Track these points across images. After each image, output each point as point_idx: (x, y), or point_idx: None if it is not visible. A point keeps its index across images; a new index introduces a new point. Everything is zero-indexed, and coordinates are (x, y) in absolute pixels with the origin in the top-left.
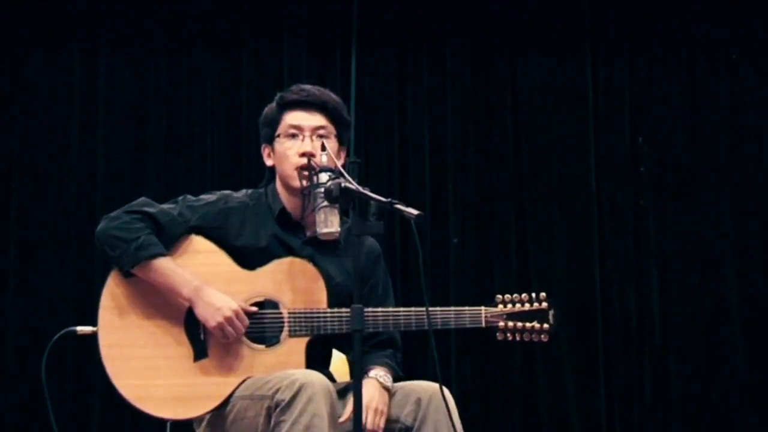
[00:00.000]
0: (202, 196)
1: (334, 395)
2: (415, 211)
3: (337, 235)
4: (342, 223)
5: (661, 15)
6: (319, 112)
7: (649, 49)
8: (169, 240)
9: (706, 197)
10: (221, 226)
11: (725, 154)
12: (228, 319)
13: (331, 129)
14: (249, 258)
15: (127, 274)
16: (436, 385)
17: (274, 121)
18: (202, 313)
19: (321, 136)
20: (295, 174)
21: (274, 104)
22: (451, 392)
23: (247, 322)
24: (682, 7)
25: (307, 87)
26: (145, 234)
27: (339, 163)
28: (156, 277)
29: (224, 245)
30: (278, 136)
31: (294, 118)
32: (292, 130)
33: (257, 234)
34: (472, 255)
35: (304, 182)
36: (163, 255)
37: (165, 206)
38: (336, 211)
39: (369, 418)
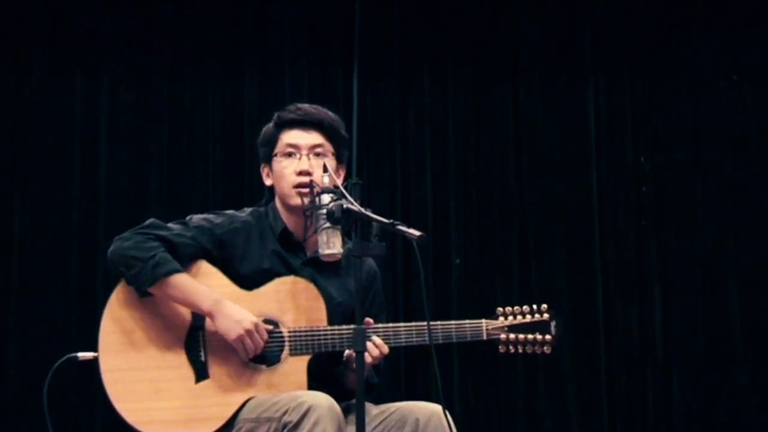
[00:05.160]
0: (208, 217)
1: (342, 417)
2: (417, 232)
3: (340, 256)
4: (344, 244)
5: (663, 36)
6: (316, 131)
7: (651, 70)
8: (180, 260)
9: (707, 217)
10: (228, 247)
11: (727, 175)
12: (248, 332)
13: (329, 147)
14: (252, 279)
15: (143, 294)
16: (436, 406)
17: (272, 141)
18: (222, 325)
19: (318, 155)
20: (293, 192)
21: (271, 124)
22: (454, 411)
23: (266, 336)
24: (683, 27)
25: (304, 106)
26: (160, 252)
27: (338, 181)
28: (175, 293)
29: (227, 267)
30: (275, 155)
31: (291, 137)
32: (289, 149)
33: (260, 254)
34: (474, 275)
35: (305, 200)
36: (179, 271)
37: (174, 226)
38: (338, 233)
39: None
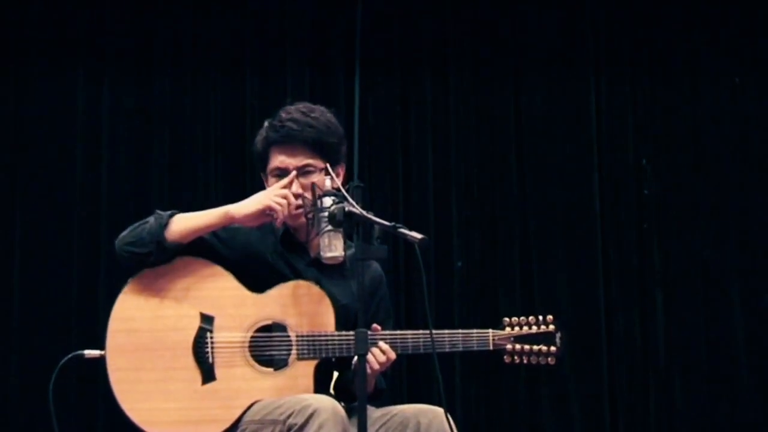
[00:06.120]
0: None
1: (347, 421)
2: (418, 235)
3: (341, 259)
4: (347, 247)
5: (664, 38)
6: (302, 150)
7: (652, 72)
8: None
9: (709, 220)
10: (227, 243)
11: (728, 177)
12: (272, 193)
13: (318, 163)
14: (255, 276)
15: (164, 251)
16: (438, 409)
17: (262, 158)
18: (249, 207)
19: (306, 173)
20: None
21: (263, 135)
22: (456, 414)
23: (285, 191)
24: (685, 30)
25: (289, 121)
26: (153, 215)
27: (338, 182)
28: (188, 224)
29: (230, 261)
30: (267, 174)
31: (278, 160)
32: (277, 172)
33: (263, 252)
34: (476, 278)
35: (293, 221)
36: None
37: None
38: (340, 235)
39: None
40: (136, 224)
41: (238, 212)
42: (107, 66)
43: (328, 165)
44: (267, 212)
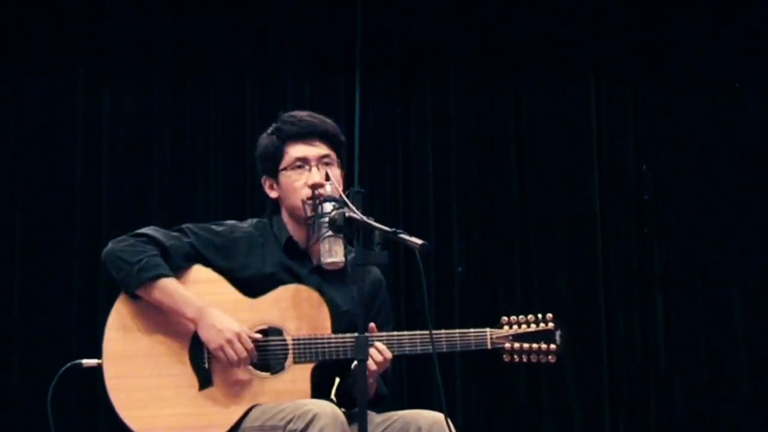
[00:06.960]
0: (208, 226)
1: (347, 426)
2: (419, 241)
3: (342, 264)
4: (348, 252)
5: (664, 42)
6: (321, 142)
7: (652, 77)
8: (174, 264)
9: (709, 224)
10: (229, 256)
11: (728, 181)
12: (229, 342)
13: (334, 156)
14: (255, 286)
15: (133, 296)
16: (438, 414)
17: (277, 155)
18: (204, 334)
19: (326, 164)
20: (304, 205)
21: (271, 136)
22: (456, 419)
23: (250, 346)
24: (685, 34)
25: (303, 117)
26: (148, 255)
27: (341, 187)
28: (160, 297)
29: (229, 275)
30: (284, 169)
31: (298, 150)
32: (299, 162)
33: (264, 262)
34: (477, 283)
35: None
36: (166, 276)
37: (172, 233)
38: (340, 241)
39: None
40: (129, 245)
41: (201, 329)
42: (107, 67)
43: (328, 170)
44: (215, 353)
